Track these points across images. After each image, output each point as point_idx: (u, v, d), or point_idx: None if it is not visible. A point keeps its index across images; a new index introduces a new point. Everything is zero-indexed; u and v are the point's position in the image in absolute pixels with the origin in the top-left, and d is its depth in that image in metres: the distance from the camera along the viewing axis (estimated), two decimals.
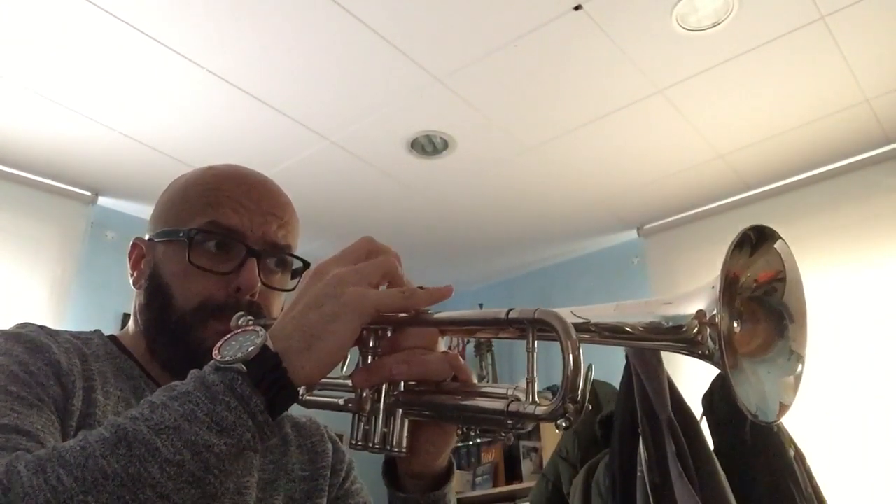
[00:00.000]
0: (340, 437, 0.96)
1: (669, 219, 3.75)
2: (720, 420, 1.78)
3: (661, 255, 3.76)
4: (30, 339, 0.71)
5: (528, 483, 3.43)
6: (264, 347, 0.55)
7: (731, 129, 3.01)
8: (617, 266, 3.97)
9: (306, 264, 0.87)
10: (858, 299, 3.04)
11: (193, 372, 0.56)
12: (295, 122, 2.88)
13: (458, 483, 3.65)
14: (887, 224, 3.08)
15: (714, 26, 2.42)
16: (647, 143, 3.10)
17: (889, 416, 2.81)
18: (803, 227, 3.28)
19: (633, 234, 3.91)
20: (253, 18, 2.34)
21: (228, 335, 0.58)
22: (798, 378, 0.53)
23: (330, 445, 0.92)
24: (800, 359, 0.54)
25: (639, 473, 1.61)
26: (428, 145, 3.09)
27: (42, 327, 0.77)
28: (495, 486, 3.68)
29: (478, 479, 3.76)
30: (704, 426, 1.75)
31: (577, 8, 2.33)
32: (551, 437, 3.29)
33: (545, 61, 2.59)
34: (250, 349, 0.55)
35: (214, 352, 0.57)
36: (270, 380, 0.55)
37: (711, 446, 1.71)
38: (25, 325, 0.76)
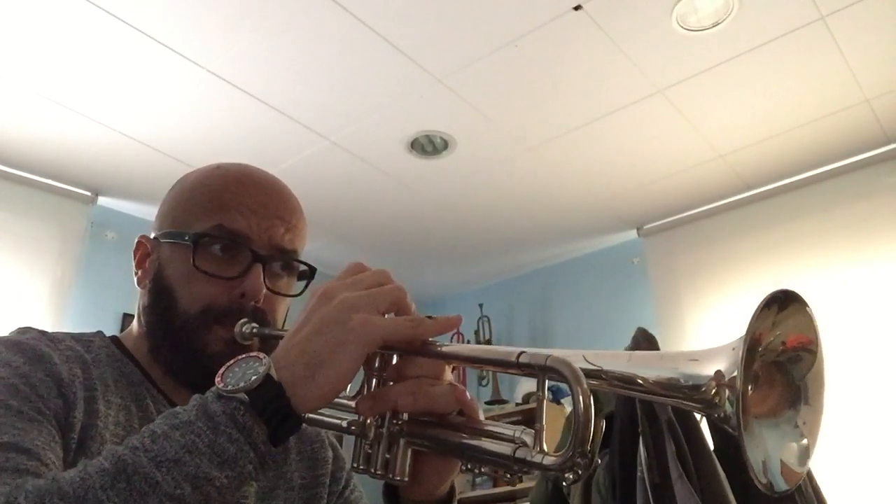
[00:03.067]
0: (341, 441, 0.95)
1: (669, 219, 3.75)
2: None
3: (661, 255, 3.76)
4: (30, 348, 0.70)
5: (528, 483, 3.43)
6: (267, 376, 0.55)
7: (731, 129, 3.01)
8: (617, 266, 3.97)
9: (312, 269, 0.86)
10: (858, 299, 3.04)
11: (196, 397, 0.56)
12: (295, 122, 2.88)
13: (458, 483, 3.64)
14: (887, 224, 3.08)
15: (714, 26, 2.42)
16: (647, 143, 3.10)
17: (889, 415, 2.81)
18: (803, 227, 3.29)
19: (633, 234, 3.91)
20: (253, 19, 2.34)
21: (231, 361, 0.57)
22: (805, 450, 0.51)
23: (330, 452, 0.91)
24: (803, 436, 0.51)
25: (639, 473, 1.61)
26: (428, 145, 3.09)
27: (44, 333, 0.75)
28: (495, 486, 3.67)
29: (478, 479, 3.75)
30: (704, 426, 1.75)
31: (577, 8, 2.33)
32: (551, 438, 3.29)
33: (545, 61, 2.59)
34: (253, 378, 0.54)
35: (217, 378, 0.56)
36: (273, 409, 0.54)
37: (711, 446, 1.71)
38: (26, 330, 0.75)
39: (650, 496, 1.55)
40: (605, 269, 4.02)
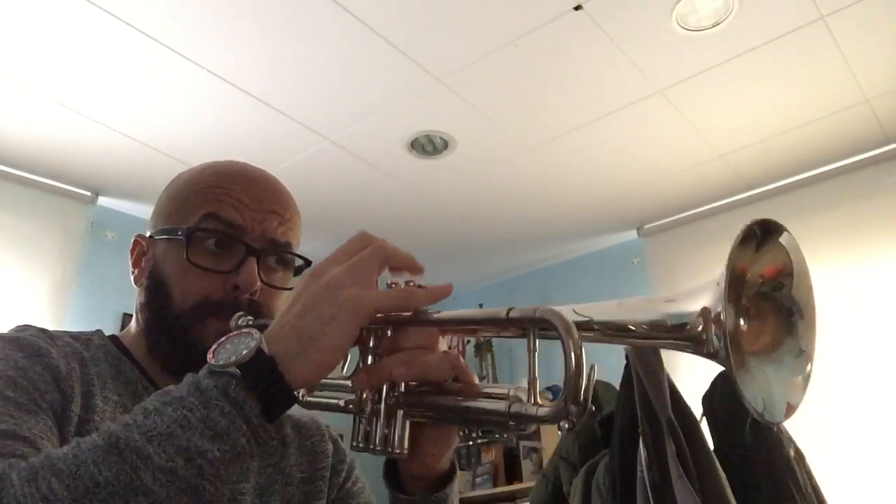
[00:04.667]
0: (342, 436, 0.95)
1: (669, 219, 3.75)
2: (720, 420, 1.77)
3: (661, 255, 3.76)
4: (29, 343, 0.71)
5: (528, 483, 3.43)
6: (259, 350, 0.55)
7: (731, 129, 3.01)
8: (617, 266, 3.97)
9: (308, 262, 0.86)
10: (858, 299, 3.04)
11: (188, 376, 0.56)
12: (295, 122, 2.88)
13: (458, 483, 3.64)
14: (887, 224, 3.08)
15: (714, 26, 2.42)
16: (647, 143, 3.10)
17: (889, 415, 2.81)
18: (803, 227, 3.28)
19: (633, 234, 3.91)
20: (253, 18, 2.34)
21: (223, 338, 0.58)
22: (807, 378, 0.52)
23: (330, 445, 0.91)
24: (808, 358, 0.52)
25: (639, 473, 1.61)
26: (428, 145, 3.09)
27: (43, 330, 0.76)
28: (495, 486, 3.68)
29: (478, 479, 3.76)
30: (704, 426, 1.75)
31: (577, 8, 2.33)
32: (551, 438, 3.29)
33: (545, 61, 2.59)
34: (244, 352, 0.54)
35: (209, 355, 0.56)
36: (265, 384, 0.54)
37: (711, 446, 1.71)
38: (25, 328, 0.76)
39: (650, 496, 1.55)
40: (605, 269, 4.02)
